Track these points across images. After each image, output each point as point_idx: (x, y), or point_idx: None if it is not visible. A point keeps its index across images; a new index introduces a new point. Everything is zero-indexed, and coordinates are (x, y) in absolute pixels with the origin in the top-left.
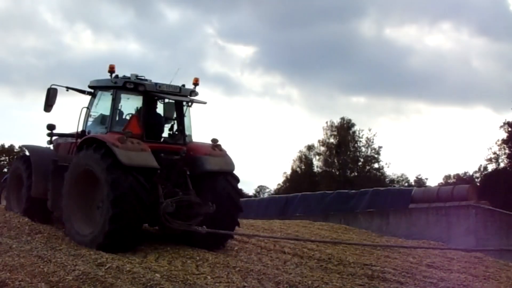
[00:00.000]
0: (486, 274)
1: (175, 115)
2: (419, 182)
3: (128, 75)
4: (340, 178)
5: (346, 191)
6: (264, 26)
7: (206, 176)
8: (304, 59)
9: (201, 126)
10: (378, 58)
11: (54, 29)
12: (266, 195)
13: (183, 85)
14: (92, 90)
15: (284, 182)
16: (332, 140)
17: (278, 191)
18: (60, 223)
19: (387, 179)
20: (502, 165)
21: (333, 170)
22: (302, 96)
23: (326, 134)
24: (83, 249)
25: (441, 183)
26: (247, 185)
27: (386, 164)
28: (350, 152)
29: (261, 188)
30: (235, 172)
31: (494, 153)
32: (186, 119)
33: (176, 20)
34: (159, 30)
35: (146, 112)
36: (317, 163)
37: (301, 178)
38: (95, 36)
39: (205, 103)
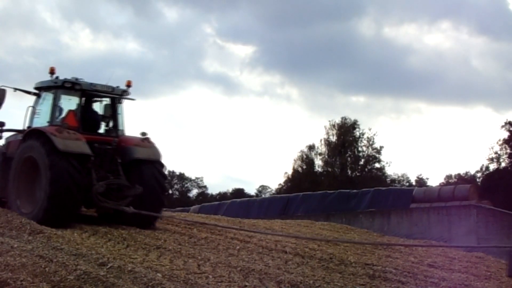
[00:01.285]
0: (488, 274)
1: (110, 113)
2: (420, 182)
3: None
4: (341, 178)
5: (348, 190)
6: (263, 25)
7: (135, 163)
8: (303, 58)
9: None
10: (378, 57)
11: (53, 28)
12: (267, 195)
13: (118, 87)
14: (37, 91)
15: (286, 182)
16: (334, 139)
17: (279, 191)
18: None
19: (388, 179)
20: (503, 164)
21: (335, 169)
22: (302, 95)
23: (328, 133)
24: (84, 249)
25: (442, 183)
26: (249, 185)
27: (387, 163)
28: (351, 152)
29: (262, 188)
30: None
31: (496, 152)
32: (119, 116)
33: (175, 19)
34: (158, 29)
35: (82, 109)
36: (318, 162)
37: (303, 178)
38: (93, 35)
39: (133, 99)
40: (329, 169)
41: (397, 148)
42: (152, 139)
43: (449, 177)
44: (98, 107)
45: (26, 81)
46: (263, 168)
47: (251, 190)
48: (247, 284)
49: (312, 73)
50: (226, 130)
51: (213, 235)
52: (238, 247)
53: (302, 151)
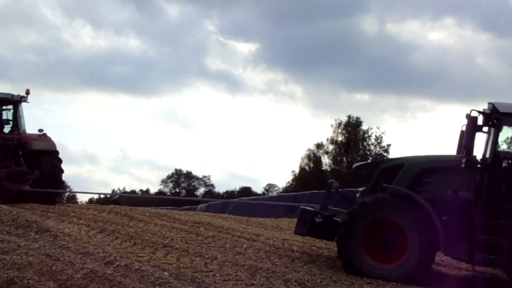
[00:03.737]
0: (494, 272)
1: (12, 115)
2: None
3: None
4: (349, 176)
5: (355, 189)
6: (266, 22)
7: (35, 154)
8: (306, 55)
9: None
10: (381, 54)
11: (54, 26)
12: (274, 193)
13: (18, 94)
14: None
15: (293, 180)
16: (340, 138)
17: (286, 189)
18: None
19: None
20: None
21: (342, 166)
22: (306, 93)
23: (335, 132)
24: (91, 247)
25: None
26: (256, 184)
27: None
28: (358, 150)
29: (270, 187)
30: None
31: None
32: (20, 118)
33: (176, 16)
34: (160, 26)
35: None
36: (326, 161)
37: (310, 176)
38: (95, 33)
39: (28, 102)
40: (337, 168)
41: (403, 146)
42: (48, 134)
43: None
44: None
45: (27, 78)
46: (269, 166)
47: (258, 188)
48: (254, 282)
49: (316, 70)
50: (231, 128)
51: (220, 233)
52: (245, 246)
53: (309, 150)
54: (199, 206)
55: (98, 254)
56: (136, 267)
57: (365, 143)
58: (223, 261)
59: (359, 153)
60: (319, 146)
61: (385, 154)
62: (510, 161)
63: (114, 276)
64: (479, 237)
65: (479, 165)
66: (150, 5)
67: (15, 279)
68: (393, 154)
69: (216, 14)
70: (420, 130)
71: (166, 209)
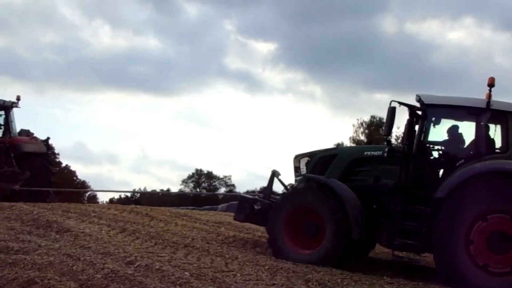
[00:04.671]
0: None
1: (3, 120)
2: None
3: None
4: None
5: None
6: (285, 21)
7: (25, 156)
8: (326, 55)
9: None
10: (401, 54)
11: (73, 25)
12: None
13: (9, 100)
14: None
15: None
16: (362, 138)
17: None
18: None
19: None
20: None
21: None
22: (325, 93)
23: (356, 131)
24: (112, 247)
25: None
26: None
27: None
28: None
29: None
30: None
31: None
32: (12, 123)
33: (195, 15)
34: (179, 25)
35: None
36: None
37: None
38: (114, 32)
39: (19, 107)
40: None
41: None
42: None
43: None
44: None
45: (46, 78)
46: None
47: (279, 188)
48: (275, 282)
49: (335, 70)
50: (251, 128)
51: (241, 233)
52: (265, 246)
53: None
54: (219, 206)
55: (119, 254)
56: (157, 267)
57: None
58: (244, 261)
59: None
60: (339, 145)
61: None
62: (433, 151)
63: (134, 276)
64: (399, 223)
65: (399, 154)
66: (169, 4)
67: (36, 279)
68: None
69: (235, 14)
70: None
71: (187, 209)
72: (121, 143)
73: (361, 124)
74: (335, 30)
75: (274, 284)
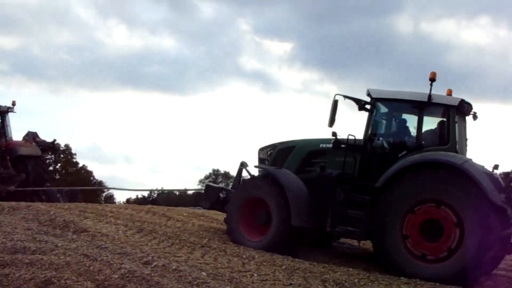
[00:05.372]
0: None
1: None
2: None
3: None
4: None
5: None
6: (300, 21)
7: (20, 158)
8: (341, 55)
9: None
10: (416, 53)
11: (88, 25)
12: None
13: (5, 106)
14: None
15: None
16: None
17: None
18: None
19: None
20: None
21: None
22: (341, 92)
23: None
24: (129, 247)
25: None
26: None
27: None
28: None
29: None
30: None
31: None
32: (8, 127)
33: (211, 15)
34: (194, 25)
35: None
36: None
37: None
38: (129, 32)
39: (14, 112)
40: None
41: None
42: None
43: None
44: None
45: (61, 78)
46: None
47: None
48: (292, 282)
49: (351, 69)
50: (267, 127)
51: None
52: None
53: None
54: None
55: (136, 254)
56: (174, 267)
57: None
58: (261, 261)
59: None
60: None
61: None
62: (380, 143)
63: (151, 276)
64: (343, 211)
65: (343, 146)
66: (184, 4)
67: (53, 279)
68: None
69: (251, 13)
70: None
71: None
72: (137, 143)
73: None
74: (351, 30)
75: (291, 284)
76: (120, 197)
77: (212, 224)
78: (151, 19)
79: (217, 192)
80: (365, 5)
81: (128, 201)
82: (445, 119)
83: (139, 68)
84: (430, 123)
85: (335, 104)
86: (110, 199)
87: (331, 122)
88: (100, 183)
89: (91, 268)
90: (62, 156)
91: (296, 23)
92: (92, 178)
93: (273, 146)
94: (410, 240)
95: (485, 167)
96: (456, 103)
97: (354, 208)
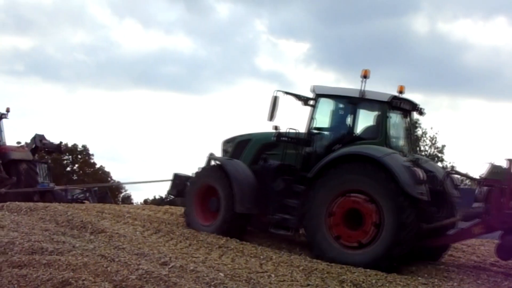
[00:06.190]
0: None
1: None
2: None
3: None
4: None
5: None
6: (317, 21)
7: (12, 163)
8: (357, 55)
9: None
10: (433, 54)
11: (103, 25)
12: None
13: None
14: None
15: None
16: None
17: None
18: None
19: None
20: None
21: None
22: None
23: None
24: (146, 248)
25: None
26: None
27: (449, 163)
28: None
29: None
30: None
31: None
32: (1, 132)
33: (226, 15)
34: (210, 25)
35: None
36: None
37: None
38: (144, 32)
39: (7, 118)
40: None
41: (458, 147)
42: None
43: None
44: None
45: (76, 78)
46: None
47: None
48: (309, 283)
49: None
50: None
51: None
52: (301, 247)
53: None
54: None
55: (153, 255)
56: (191, 267)
57: (420, 144)
58: (279, 262)
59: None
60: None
61: (440, 154)
62: (320, 136)
63: (169, 277)
64: (281, 200)
65: (285, 139)
66: (199, 4)
67: (70, 280)
68: (447, 155)
69: (266, 13)
70: (473, 130)
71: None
72: (153, 143)
73: None
74: (367, 30)
75: (308, 285)
76: (137, 197)
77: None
78: (166, 20)
79: (183, 180)
80: (381, 5)
81: (146, 201)
82: (376, 114)
83: (155, 68)
84: (368, 118)
85: (274, 100)
86: (127, 199)
87: (271, 117)
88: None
89: (108, 268)
90: (79, 157)
91: (312, 23)
92: (109, 178)
93: (233, 139)
94: (334, 228)
95: (406, 160)
96: (387, 99)
97: (292, 197)
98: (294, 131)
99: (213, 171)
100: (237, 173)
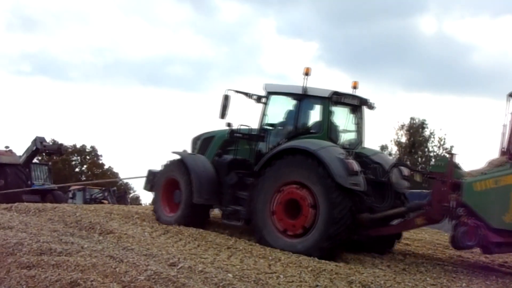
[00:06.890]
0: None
1: None
2: None
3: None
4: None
5: (419, 191)
6: (324, 22)
7: (1, 166)
8: (365, 55)
9: None
10: (440, 54)
11: (110, 26)
12: None
13: None
14: None
15: None
16: (404, 140)
17: None
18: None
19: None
20: None
21: None
22: (365, 92)
23: (397, 134)
24: (155, 249)
25: None
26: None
27: (458, 164)
28: (422, 152)
29: None
30: None
31: None
32: None
33: (233, 15)
34: (217, 25)
35: None
36: None
37: None
38: (152, 33)
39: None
40: None
41: (466, 147)
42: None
43: None
44: None
45: (84, 79)
46: None
47: None
48: (318, 284)
49: (374, 70)
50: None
51: None
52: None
53: None
54: None
55: (162, 255)
56: (200, 268)
57: (428, 145)
58: (287, 263)
59: (425, 155)
60: (383, 148)
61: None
62: (270, 132)
63: (177, 277)
64: (233, 192)
65: (238, 135)
66: (206, 4)
67: (79, 280)
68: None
69: (273, 14)
70: (481, 130)
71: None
72: (161, 144)
73: (402, 126)
74: (374, 30)
75: (317, 286)
76: (146, 198)
77: (238, 224)
78: (173, 20)
79: (156, 175)
80: (388, 6)
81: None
82: (319, 109)
83: (162, 68)
84: (314, 113)
85: (226, 98)
86: (136, 200)
87: (222, 115)
88: (126, 185)
89: (117, 269)
90: (88, 157)
91: (319, 24)
92: (118, 179)
93: (200, 136)
94: (276, 217)
95: (342, 153)
96: (327, 95)
97: (244, 190)
98: (246, 127)
99: (176, 165)
100: (196, 166)
